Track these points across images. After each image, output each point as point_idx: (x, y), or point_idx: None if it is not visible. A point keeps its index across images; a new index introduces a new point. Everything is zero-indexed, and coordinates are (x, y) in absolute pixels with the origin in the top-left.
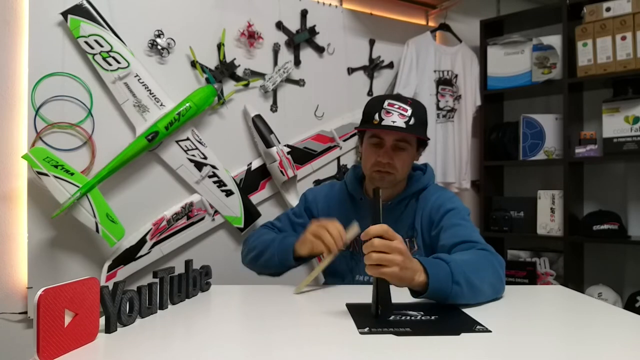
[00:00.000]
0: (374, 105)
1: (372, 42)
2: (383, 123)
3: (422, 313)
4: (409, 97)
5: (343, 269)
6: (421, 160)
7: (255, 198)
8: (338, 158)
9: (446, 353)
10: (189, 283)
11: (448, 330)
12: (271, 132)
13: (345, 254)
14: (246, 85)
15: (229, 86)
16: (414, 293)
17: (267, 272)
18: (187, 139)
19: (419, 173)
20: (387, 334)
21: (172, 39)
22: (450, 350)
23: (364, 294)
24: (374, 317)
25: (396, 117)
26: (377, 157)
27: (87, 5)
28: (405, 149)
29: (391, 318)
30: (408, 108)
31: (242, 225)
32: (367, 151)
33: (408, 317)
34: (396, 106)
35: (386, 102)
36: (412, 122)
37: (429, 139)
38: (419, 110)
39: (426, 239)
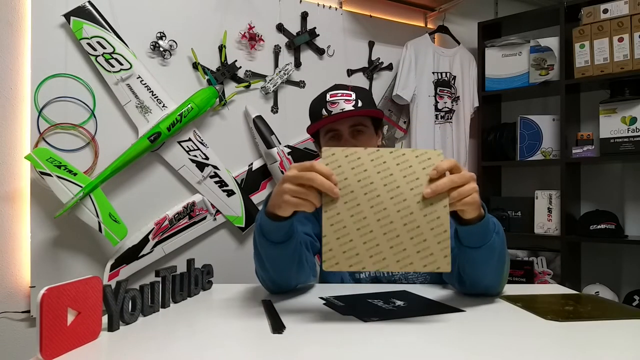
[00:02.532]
0: (317, 104)
1: (371, 44)
2: (332, 114)
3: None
4: (349, 84)
5: None
6: None
7: (256, 198)
8: None
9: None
10: (191, 282)
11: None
12: (272, 133)
13: None
14: (247, 87)
15: (230, 87)
16: (464, 222)
17: (289, 269)
18: (189, 139)
19: None
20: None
21: (174, 41)
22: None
23: (360, 291)
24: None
25: (343, 104)
26: None
27: (89, 7)
28: (363, 132)
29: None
30: (351, 93)
31: (243, 225)
32: None
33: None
34: (339, 95)
35: (327, 95)
36: (360, 104)
37: (383, 115)
38: (363, 93)
39: None
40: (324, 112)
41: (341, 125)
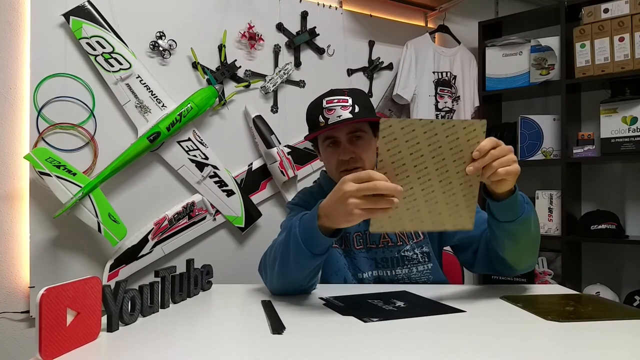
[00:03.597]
0: (314, 110)
1: (371, 44)
2: (329, 122)
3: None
4: (344, 88)
5: (341, 267)
6: None
7: (256, 198)
8: None
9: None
10: (191, 282)
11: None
12: (272, 132)
13: (338, 251)
14: (247, 87)
15: (230, 87)
16: (497, 198)
17: (309, 278)
18: (189, 139)
19: None
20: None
21: (173, 41)
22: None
23: (360, 291)
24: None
25: (339, 110)
26: (337, 156)
27: (89, 6)
28: (361, 137)
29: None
30: (347, 98)
31: (242, 225)
32: (326, 155)
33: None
34: (335, 101)
35: (324, 101)
36: (357, 110)
37: (380, 119)
38: (359, 97)
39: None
40: (320, 119)
41: (339, 132)
